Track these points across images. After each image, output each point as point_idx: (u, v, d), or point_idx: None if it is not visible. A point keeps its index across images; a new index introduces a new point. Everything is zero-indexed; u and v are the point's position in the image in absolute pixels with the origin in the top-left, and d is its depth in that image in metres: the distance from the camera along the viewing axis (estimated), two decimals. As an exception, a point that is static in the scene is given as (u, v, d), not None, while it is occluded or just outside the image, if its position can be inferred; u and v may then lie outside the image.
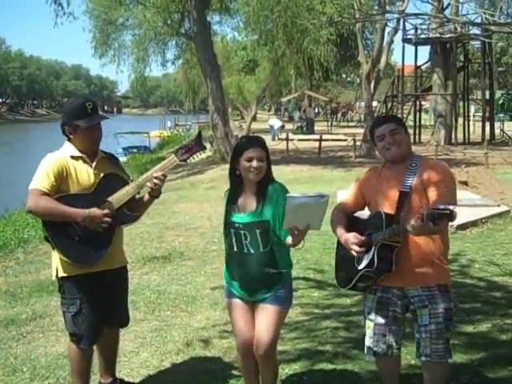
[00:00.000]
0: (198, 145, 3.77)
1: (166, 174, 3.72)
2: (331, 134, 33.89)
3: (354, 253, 3.33)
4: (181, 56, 30.08)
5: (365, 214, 3.57)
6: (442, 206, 2.89)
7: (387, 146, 3.36)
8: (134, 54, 26.84)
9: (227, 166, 3.60)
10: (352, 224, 3.49)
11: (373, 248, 3.29)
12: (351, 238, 3.33)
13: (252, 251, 3.45)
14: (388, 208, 3.32)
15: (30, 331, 5.47)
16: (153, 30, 24.40)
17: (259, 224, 3.42)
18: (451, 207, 2.86)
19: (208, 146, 25.49)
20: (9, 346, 5.14)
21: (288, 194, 3.17)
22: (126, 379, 4.31)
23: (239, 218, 3.48)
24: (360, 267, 3.35)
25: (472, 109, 34.70)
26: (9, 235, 10.36)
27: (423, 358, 3.38)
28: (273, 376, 3.63)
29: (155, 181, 3.67)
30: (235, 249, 3.51)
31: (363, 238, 3.30)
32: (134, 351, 4.87)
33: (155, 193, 3.76)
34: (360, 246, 3.29)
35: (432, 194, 3.24)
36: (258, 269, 3.45)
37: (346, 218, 3.53)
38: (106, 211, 3.57)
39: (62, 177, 3.58)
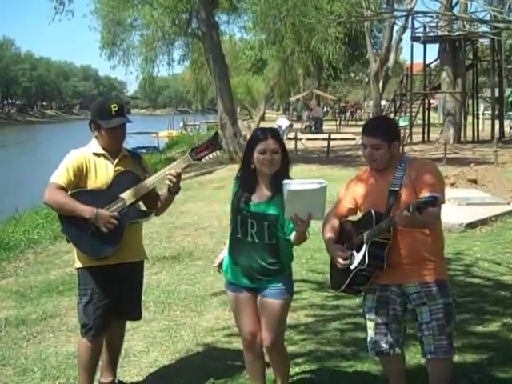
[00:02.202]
0: (213, 144, 3.84)
1: (179, 172, 3.76)
2: (340, 133, 33.80)
3: (339, 265, 3.41)
4: (189, 56, 30.09)
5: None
6: (427, 195, 3.00)
7: (367, 157, 3.43)
8: (142, 54, 26.84)
9: (236, 166, 3.63)
10: (344, 228, 3.55)
11: (364, 246, 3.33)
12: (336, 251, 3.43)
13: (257, 241, 3.48)
14: (378, 207, 3.35)
15: (41, 331, 5.50)
16: (161, 30, 24.40)
17: (268, 217, 3.45)
18: (435, 194, 2.96)
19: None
20: (19, 345, 5.17)
21: (284, 181, 3.17)
22: (135, 378, 4.33)
23: (249, 206, 3.50)
24: (352, 267, 3.39)
25: (481, 107, 34.51)
26: (19, 236, 10.41)
27: (428, 356, 3.38)
28: (284, 368, 3.73)
29: (169, 177, 3.75)
30: (239, 235, 3.54)
31: (347, 254, 3.38)
32: (144, 351, 4.89)
33: (173, 189, 3.83)
34: (345, 259, 3.38)
35: (422, 190, 3.26)
36: (260, 259, 3.50)
37: (337, 224, 3.57)
38: (113, 214, 3.68)
39: (81, 173, 3.74)
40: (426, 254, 3.36)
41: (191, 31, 24.95)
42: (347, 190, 3.62)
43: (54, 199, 3.69)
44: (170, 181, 3.75)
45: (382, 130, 3.43)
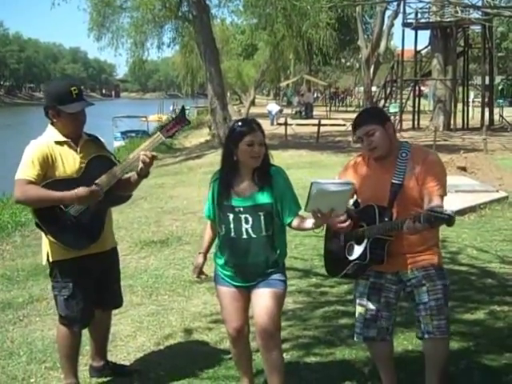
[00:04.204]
0: (182, 120, 3.72)
1: (154, 154, 3.64)
2: (330, 118, 33.78)
3: (340, 227, 3.26)
4: (179, 39, 29.88)
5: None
6: (438, 209, 2.91)
7: (367, 147, 3.33)
8: (131, 37, 26.60)
9: (225, 151, 3.54)
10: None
11: (365, 241, 3.29)
12: (335, 221, 3.26)
13: (254, 235, 3.39)
14: (380, 200, 3.29)
15: (27, 315, 5.47)
16: (150, 13, 24.15)
17: (262, 207, 3.37)
18: (449, 211, 2.87)
19: (207, 130, 25.45)
20: (5, 329, 5.14)
21: (313, 180, 3.09)
22: (122, 362, 4.33)
23: (239, 201, 3.40)
24: (351, 258, 3.35)
25: (471, 94, 34.57)
26: (6, 218, 10.33)
27: (426, 336, 3.34)
28: (279, 364, 3.47)
29: (143, 157, 3.58)
30: (232, 234, 3.43)
31: (344, 217, 3.22)
32: (131, 335, 4.87)
33: (143, 172, 3.68)
34: (344, 222, 3.23)
35: (426, 188, 3.23)
36: (258, 254, 3.40)
37: None
38: (92, 188, 3.50)
39: (47, 164, 3.54)
40: (425, 244, 3.33)
41: (182, 14, 24.73)
42: (345, 173, 3.53)
43: (27, 195, 3.48)
44: (144, 162, 3.59)
45: (369, 115, 3.40)
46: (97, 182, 3.57)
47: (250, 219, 3.38)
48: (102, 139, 3.94)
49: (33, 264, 7.20)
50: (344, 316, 5.00)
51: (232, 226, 3.42)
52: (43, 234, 3.72)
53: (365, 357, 4.14)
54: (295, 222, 3.40)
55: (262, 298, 3.42)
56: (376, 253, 3.27)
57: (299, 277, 6.12)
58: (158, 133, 3.70)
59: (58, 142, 3.63)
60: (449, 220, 2.85)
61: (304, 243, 7.33)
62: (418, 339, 3.56)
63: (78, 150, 3.67)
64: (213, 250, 3.68)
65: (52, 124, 3.69)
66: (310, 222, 3.30)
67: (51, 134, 3.66)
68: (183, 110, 3.84)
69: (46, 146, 3.59)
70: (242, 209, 3.39)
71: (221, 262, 3.56)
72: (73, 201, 3.50)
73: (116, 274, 4.02)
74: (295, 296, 5.59)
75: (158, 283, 6.21)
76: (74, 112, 3.59)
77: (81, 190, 3.48)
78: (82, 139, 3.72)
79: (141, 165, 3.63)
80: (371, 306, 3.47)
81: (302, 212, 3.39)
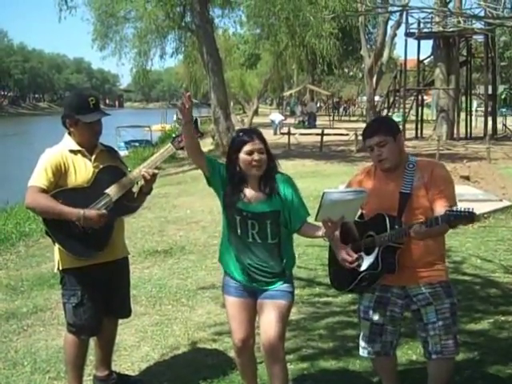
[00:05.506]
0: (194, 132, 3.74)
1: (155, 172, 3.69)
2: (333, 128, 33.85)
3: (345, 266, 3.30)
4: (182, 49, 29.99)
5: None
6: (455, 209, 2.90)
7: (376, 158, 3.32)
8: (135, 47, 26.71)
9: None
10: (344, 225, 3.41)
11: (376, 250, 3.28)
12: (343, 255, 3.28)
13: (259, 241, 3.39)
14: (388, 210, 3.28)
15: (31, 325, 5.47)
16: (154, 23, 24.26)
17: (269, 215, 3.37)
18: (471, 209, 2.84)
19: (210, 139, 25.48)
20: (9, 339, 5.14)
21: (325, 190, 3.10)
22: (125, 372, 4.32)
23: (246, 207, 3.39)
24: (362, 269, 3.32)
25: (474, 103, 34.63)
26: (10, 228, 10.33)
27: (434, 356, 3.34)
28: (283, 377, 3.47)
29: (144, 175, 3.66)
30: (239, 233, 3.42)
31: (355, 256, 3.26)
32: (135, 345, 4.86)
33: (145, 189, 3.76)
34: (351, 263, 3.26)
35: (435, 200, 3.22)
36: (263, 259, 3.40)
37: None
38: (102, 212, 3.57)
39: (60, 172, 3.61)
40: (432, 257, 3.33)
41: (185, 24, 24.84)
42: (350, 187, 3.49)
43: (36, 203, 3.55)
44: (145, 178, 3.66)
45: (382, 126, 3.37)
46: (106, 191, 3.63)
47: (256, 225, 3.38)
48: (117, 150, 4.00)
49: (37, 274, 7.21)
50: (348, 326, 4.99)
51: (239, 227, 3.42)
52: (52, 243, 3.76)
53: (369, 367, 4.11)
54: (304, 229, 3.41)
55: (268, 311, 3.41)
56: (388, 261, 3.26)
57: (303, 286, 6.11)
58: (170, 144, 3.73)
59: (72, 151, 3.69)
60: (470, 217, 2.83)
61: (307, 253, 7.33)
62: (422, 350, 3.55)
63: (93, 159, 3.73)
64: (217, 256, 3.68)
65: (69, 133, 3.76)
66: (320, 231, 3.31)
67: (67, 143, 3.73)
68: (196, 122, 3.84)
69: (59, 154, 3.65)
70: (249, 214, 3.39)
71: (228, 260, 3.52)
72: (79, 219, 3.53)
73: (125, 284, 4.03)
74: (299, 306, 5.57)
75: (162, 293, 6.21)
76: (90, 122, 3.66)
77: (90, 212, 3.54)
78: (98, 149, 3.79)
79: (142, 181, 3.69)
80: (376, 320, 3.45)
81: (311, 220, 3.39)
